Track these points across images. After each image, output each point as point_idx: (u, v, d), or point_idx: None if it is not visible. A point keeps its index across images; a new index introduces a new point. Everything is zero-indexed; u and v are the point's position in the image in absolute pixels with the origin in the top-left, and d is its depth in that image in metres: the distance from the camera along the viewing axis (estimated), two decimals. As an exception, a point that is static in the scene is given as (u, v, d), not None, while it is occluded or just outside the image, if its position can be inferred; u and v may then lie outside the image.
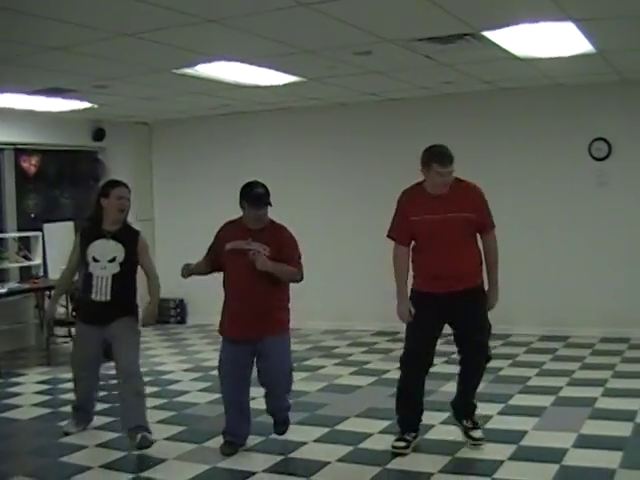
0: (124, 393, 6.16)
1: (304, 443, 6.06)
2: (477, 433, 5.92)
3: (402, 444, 5.79)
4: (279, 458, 5.79)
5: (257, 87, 9.32)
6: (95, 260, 6.15)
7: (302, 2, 5.64)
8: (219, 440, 6.07)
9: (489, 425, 6.36)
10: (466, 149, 10.46)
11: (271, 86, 9.28)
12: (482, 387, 7.52)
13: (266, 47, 7.17)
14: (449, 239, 5.64)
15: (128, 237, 6.28)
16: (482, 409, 6.75)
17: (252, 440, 6.10)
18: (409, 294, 5.80)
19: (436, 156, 5.66)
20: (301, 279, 5.93)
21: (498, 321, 9.80)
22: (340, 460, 5.70)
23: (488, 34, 6.93)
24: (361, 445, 6.01)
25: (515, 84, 9.85)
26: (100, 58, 7.29)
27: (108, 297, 6.11)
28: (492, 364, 8.55)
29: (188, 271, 6.07)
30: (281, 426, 6.24)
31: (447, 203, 5.65)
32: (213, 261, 6.04)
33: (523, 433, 6.05)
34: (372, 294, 11.00)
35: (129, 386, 6.10)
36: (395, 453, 5.74)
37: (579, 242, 10.08)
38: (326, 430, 6.42)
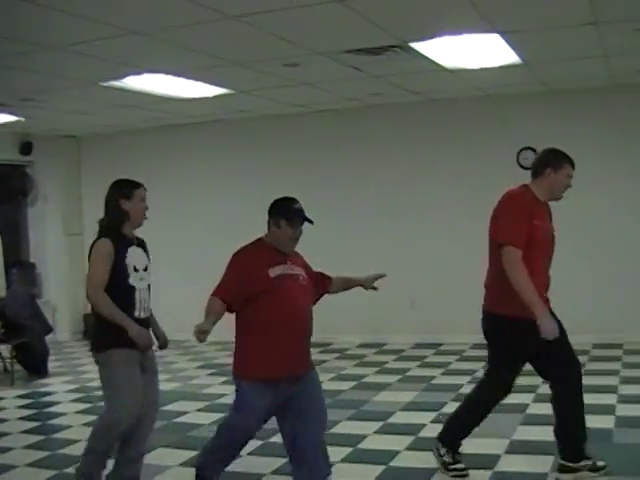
0: (147, 422, 5.18)
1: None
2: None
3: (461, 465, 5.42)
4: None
5: (185, 100, 9.28)
6: (136, 270, 5.16)
7: (230, 15, 5.64)
8: (154, 455, 6.01)
9: (423, 434, 6.39)
10: (397, 159, 10.59)
11: (199, 98, 9.25)
12: (414, 396, 7.61)
13: (194, 60, 7.16)
14: (552, 251, 5.21)
15: (144, 244, 5.44)
16: (416, 418, 6.80)
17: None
18: (503, 322, 5.16)
19: (568, 158, 5.15)
20: None
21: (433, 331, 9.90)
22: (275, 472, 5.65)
23: (416, 46, 7.00)
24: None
25: (444, 95, 9.95)
26: (26, 71, 7.21)
27: (148, 312, 5.22)
28: (425, 373, 8.66)
29: (206, 333, 4.60)
30: None
31: (549, 212, 5.24)
32: (235, 298, 4.83)
33: (456, 440, 6.09)
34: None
35: (153, 417, 5.25)
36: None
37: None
38: (259, 443, 6.35)
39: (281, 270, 4.88)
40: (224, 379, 8.76)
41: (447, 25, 6.42)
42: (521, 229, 4.93)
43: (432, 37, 6.76)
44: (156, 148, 12.12)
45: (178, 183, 11.89)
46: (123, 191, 5.42)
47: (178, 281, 11.56)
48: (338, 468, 5.62)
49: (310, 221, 4.97)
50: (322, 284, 5.20)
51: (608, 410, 6.68)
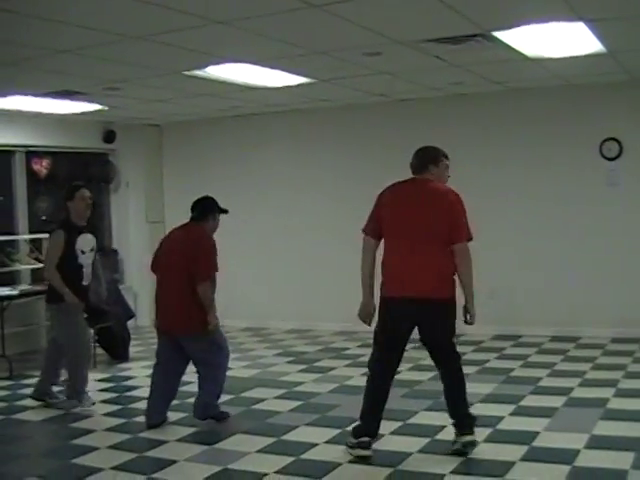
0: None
1: (315, 444, 6.06)
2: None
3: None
4: (289, 459, 5.75)
5: (267, 89, 9.32)
6: (83, 252, 7.35)
7: (312, 3, 5.64)
8: (232, 440, 6.09)
9: (500, 426, 6.34)
10: (476, 149, 10.50)
11: (282, 87, 9.28)
12: (492, 388, 7.54)
13: (276, 48, 7.18)
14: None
15: (93, 229, 7.78)
16: (494, 410, 6.75)
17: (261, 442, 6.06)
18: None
19: (443, 152, 6.16)
20: None
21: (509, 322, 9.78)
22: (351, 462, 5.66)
23: (499, 34, 6.91)
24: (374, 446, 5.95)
25: (525, 84, 9.83)
26: (110, 61, 7.31)
27: (89, 280, 7.49)
28: (503, 365, 8.58)
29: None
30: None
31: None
32: None
33: (535, 434, 6.02)
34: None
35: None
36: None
37: (591, 241, 10.05)
38: (336, 432, 6.39)
39: None
40: (302, 367, 8.84)
41: (531, 14, 6.33)
42: None
43: (515, 26, 6.67)
44: (236, 136, 12.20)
45: (256, 172, 11.97)
46: (67, 194, 7.36)
47: (256, 271, 11.63)
48: (415, 458, 5.65)
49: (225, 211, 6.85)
50: None
51: None
